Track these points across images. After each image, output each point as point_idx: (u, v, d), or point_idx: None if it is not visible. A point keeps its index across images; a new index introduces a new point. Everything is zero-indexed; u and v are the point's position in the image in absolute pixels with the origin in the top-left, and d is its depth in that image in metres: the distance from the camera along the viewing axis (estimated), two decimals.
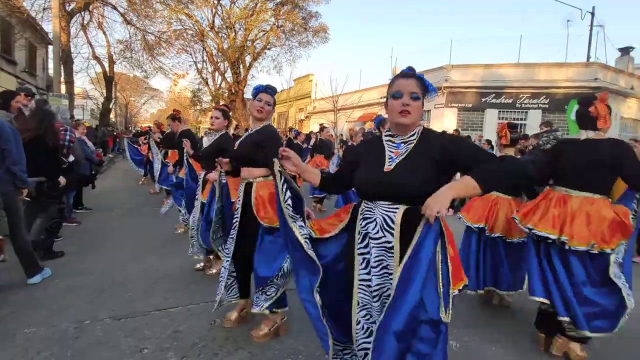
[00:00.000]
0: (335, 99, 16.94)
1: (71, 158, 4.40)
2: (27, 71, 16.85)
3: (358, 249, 1.61)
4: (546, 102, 13.11)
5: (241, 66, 21.87)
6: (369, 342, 1.52)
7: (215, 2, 20.18)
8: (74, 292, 3.14)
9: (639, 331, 2.76)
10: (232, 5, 20.59)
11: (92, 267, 3.71)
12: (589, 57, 15.04)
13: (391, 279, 1.49)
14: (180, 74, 25.03)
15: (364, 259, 1.59)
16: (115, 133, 20.44)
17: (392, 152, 1.59)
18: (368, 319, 1.59)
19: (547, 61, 13.46)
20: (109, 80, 20.10)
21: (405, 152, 1.56)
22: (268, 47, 22.08)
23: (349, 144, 5.42)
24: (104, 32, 18.55)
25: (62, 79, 13.85)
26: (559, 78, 13.18)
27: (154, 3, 17.80)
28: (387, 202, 1.52)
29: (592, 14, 14.82)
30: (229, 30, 20.97)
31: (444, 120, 13.98)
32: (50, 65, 15.87)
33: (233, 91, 21.99)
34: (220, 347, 2.44)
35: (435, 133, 1.62)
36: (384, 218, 1.52)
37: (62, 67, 12.59)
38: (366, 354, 1.54)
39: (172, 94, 36.93)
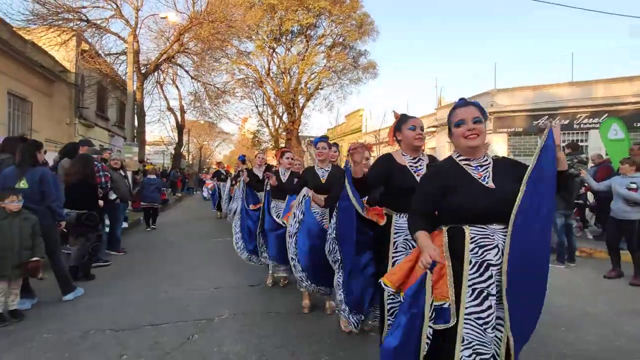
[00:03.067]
0: (377, 133, 17.17)
1: (113, 196, 5.26)
2: (117, 125, 19.92)
3: (470, 279, 1.49)
4: None
5: (295, 107, 23.38)
6: None
7: (271, 51, 22.22)
8: (94, 309, 3.74)
9: None
10: (287, 52, 22.48)
11: (116, 290, 4.34)
12: None
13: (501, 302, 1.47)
14: (244, 117, 27.56)
15: (474, 290, 1.48)
16: (184, 174, 22.75)
17: (476, 173, 1.59)
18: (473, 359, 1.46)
19: (606, 77, 12.36)
20: (180, 128, 22.82)
21: (487, 173, 1.59)
22: (320, 87, 23.44)
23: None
24: (177, 87, 21.41)
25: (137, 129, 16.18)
26: (623, 93, 11.98)
27: (219, 57, 20.21)
28: (500, 226, 1.49)
29: None
30: (283, 75, 22.78)
31: (493, 146, 13.36)
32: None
33: (289, 130, 23.49)
34: (186, 359, 2.78)
35: (499, 157, 1.71)
36: (504, 242, 1.47)
37: (135, 120, 14.75)
38: None
39: (241, 136, 40.31)
